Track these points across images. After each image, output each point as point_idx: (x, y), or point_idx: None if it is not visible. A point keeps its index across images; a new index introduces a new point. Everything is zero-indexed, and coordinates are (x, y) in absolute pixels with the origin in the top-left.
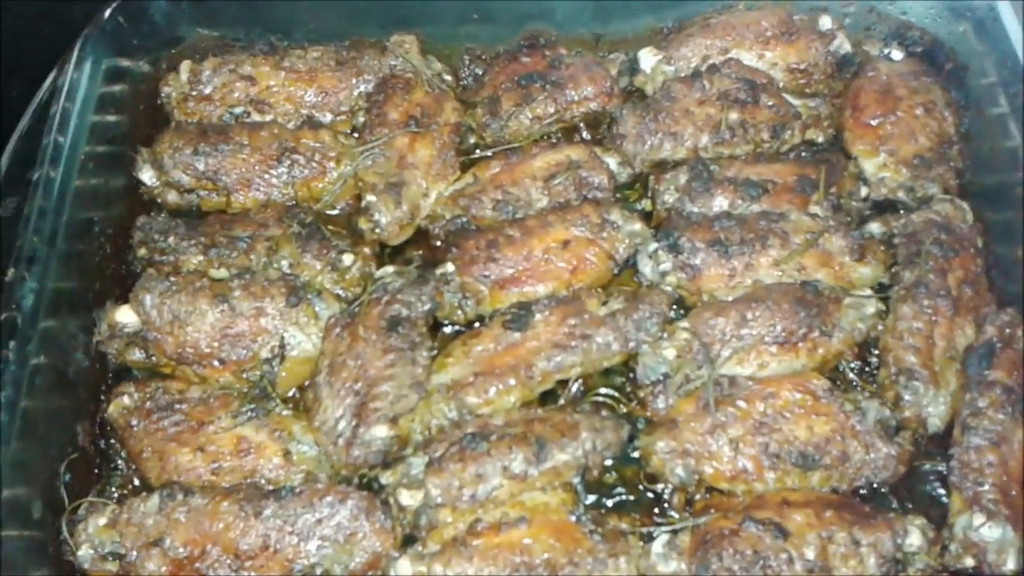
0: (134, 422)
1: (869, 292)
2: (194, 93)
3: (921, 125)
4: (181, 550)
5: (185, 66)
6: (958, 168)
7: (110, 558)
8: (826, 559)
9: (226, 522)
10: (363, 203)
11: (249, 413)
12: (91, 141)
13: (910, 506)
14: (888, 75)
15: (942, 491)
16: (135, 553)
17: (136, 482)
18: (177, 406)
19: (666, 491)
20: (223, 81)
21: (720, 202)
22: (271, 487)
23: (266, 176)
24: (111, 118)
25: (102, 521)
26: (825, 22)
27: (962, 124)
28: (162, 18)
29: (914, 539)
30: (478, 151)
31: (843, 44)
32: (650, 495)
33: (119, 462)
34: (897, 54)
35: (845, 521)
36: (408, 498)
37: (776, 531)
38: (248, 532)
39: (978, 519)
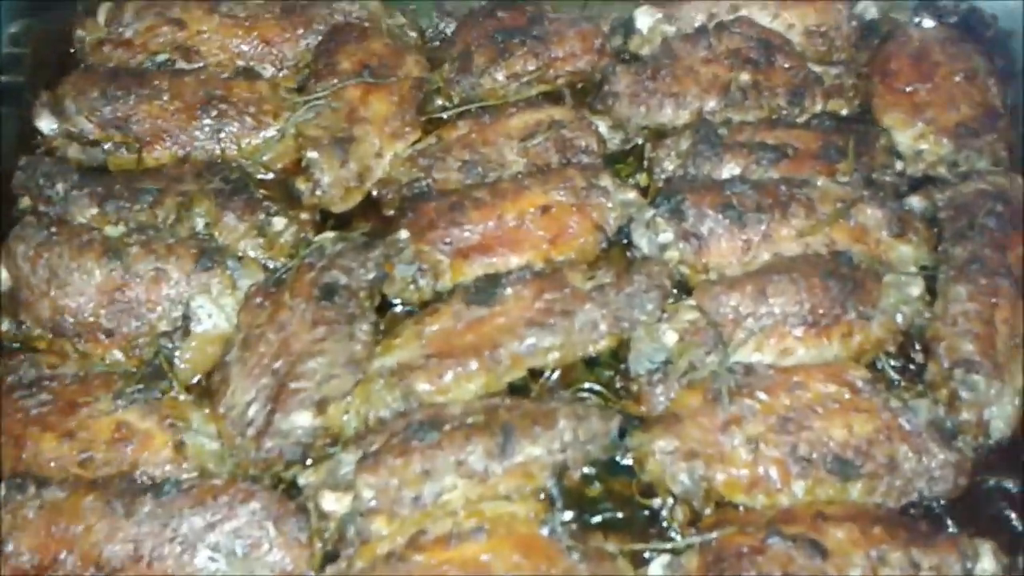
0: None
1: (914, 269)
2: (112, 37)
3: (962, 93)
4: (26, 557)
5: (104, 7)
6: (1008, 140)
7: None
8: None
9: (87, 523)
10: (303, 161)
11: (135, 395)
12: None
13: (973, 531)
14: (922, 41)
15: (1012, 514)
16: None
17: None
18: (46, 383)
19: (666, 507)
20: (147, 25)
21: (731, 168)
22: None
23: (187, 128)
24: (9, 64)
25: None
26: None
27: (1008, 96)
28: None
29: (986, 564)
30: (445, 112)
31: (868, 8)
32: (644, 513)
33: None
34: (928, 23)
35: (899, 539)
36: (333, 502)
37: (811, 549)
38: (115, 536)
39: None
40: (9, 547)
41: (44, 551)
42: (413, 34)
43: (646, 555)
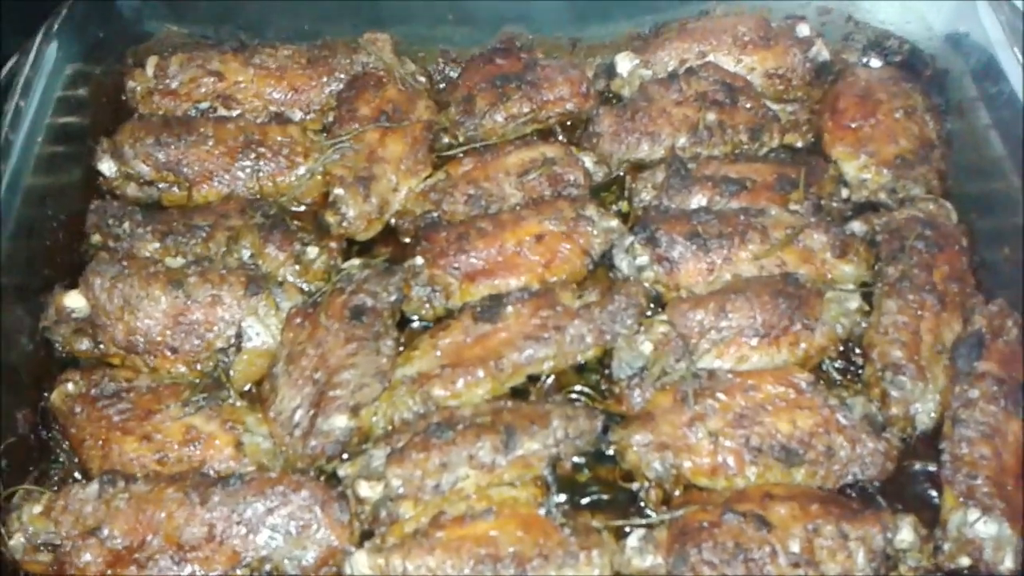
0: (77, 409)
1: (852, 286)
2: (159, 88)
3: (902, 128)
4: (119, 540)
5: (151, 61)
6: (941, 170)
7: (43, 548)
8: (812, 553)
9: (169, 510)
10: (330, 196)
11: (200, 402)
12: (49, 135)
13: (900, 508)
14: (867, 80)
15: (933, 493)
16: (70, 543)
17: (77, 476)
18: (124, 394)
19: (642, 490)
20: (190, 76)
21: (698, 199)
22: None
23: (230, 169)
24: (72, 111)
25: (37, 509)
26: (803, 29)
27: (943, 129)
28: (130, 12)
29: (905, 535)
30: (452, 150)
31: (821, 51)
32: (625, 494)
33: (60, 454)
34: (876, 62)
35: (832, 515)
36: (367, 490)
37: (758, 523)
38: (192, 521)
39: (973, 515)
40: (104, 532)
41: (134, 534)
42: (423, 80)
43: (626, 529)
